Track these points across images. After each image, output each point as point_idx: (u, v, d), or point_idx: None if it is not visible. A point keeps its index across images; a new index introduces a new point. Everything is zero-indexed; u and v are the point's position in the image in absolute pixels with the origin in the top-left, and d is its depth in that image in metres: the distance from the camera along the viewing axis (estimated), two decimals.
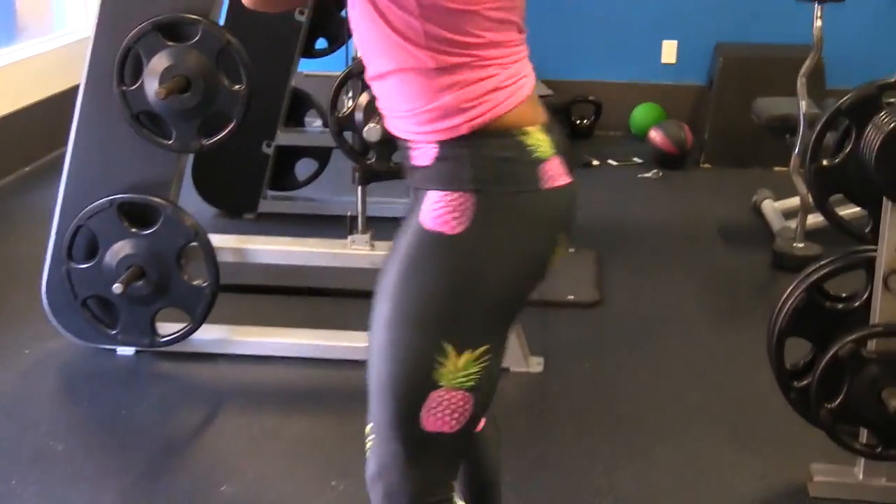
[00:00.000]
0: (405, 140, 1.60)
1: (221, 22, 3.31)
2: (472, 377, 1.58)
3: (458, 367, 1.57)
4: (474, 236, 1.54)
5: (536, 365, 3.28)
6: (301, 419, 3.02)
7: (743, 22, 5.83)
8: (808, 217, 4.08)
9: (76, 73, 4.69)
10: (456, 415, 1.61)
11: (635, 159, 5.56)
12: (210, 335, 3.32)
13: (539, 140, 1.57)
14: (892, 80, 2.45)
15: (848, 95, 2.47)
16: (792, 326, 2.60)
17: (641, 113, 5.91)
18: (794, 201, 4.27)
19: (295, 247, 3.37)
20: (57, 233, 3.24)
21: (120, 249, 3.17)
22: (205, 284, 3.20)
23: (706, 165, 5.49)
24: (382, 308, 1.61)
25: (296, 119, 4.67)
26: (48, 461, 2.76)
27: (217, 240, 3.27)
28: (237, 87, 3.05)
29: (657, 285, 3.98)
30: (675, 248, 4.36)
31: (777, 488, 2.70)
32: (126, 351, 3.33)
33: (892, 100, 2.45)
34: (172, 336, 3.27)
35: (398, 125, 1.60)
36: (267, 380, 3.22)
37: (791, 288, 2.60)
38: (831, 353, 2.47)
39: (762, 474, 2.75)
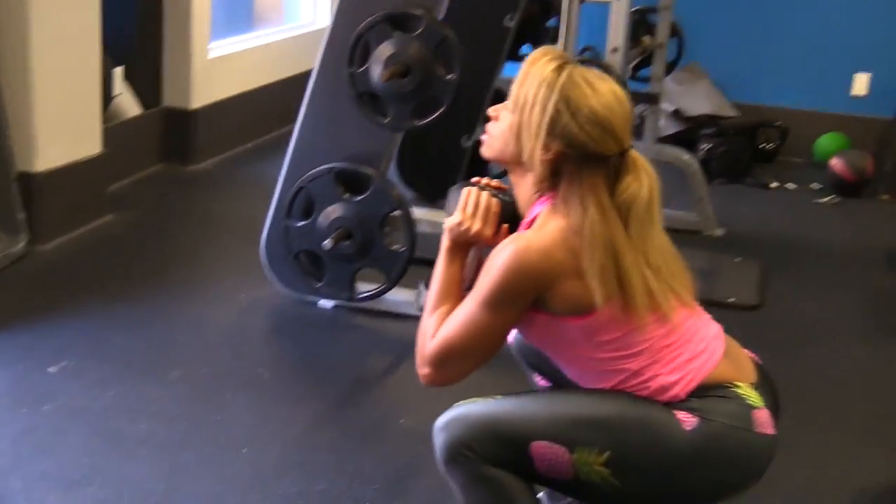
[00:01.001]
0: None
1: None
2: (588, 474, 1.89)
3: (592, 463, 1.88)
4: (696, 442, 1.87)
5: None
6: (477, 372, 3.40)
7: None
8: None
9: (305, 61, 5.24)
10: (553, 469, 1.91)
11: (814, 185, 5.75)
12: (401, 297, 3.74)
13: (749, 393, 1.93)
14: None
15: None
16: None
17: (826, 141, 6.08)
18: None
19: None
20: (280, 193, 3.72)
21: (332, 212, 3.62)
22: (402, 249, 3.62)
23: (885, 197, 5.63)
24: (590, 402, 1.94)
25: None
26: (256, 384, 3.23)
27: (417, 212, 3.69)
28: (449, 76, 3.46)
29: (817, 298, 4.21)
30: (839, 268, 4.57)
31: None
32: (326, 304, 3.77)
33: None
34: (369, 293, 3.70)
35: None
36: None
37: None
38: None
39: (888, 469, 2.99)
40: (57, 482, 2.62)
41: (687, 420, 1.88)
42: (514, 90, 1.98)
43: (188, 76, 5.21)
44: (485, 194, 2.07)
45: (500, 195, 2.09)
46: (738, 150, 5.88)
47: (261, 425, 2.98)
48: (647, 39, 5.05)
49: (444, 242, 2.08)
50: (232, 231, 4.48)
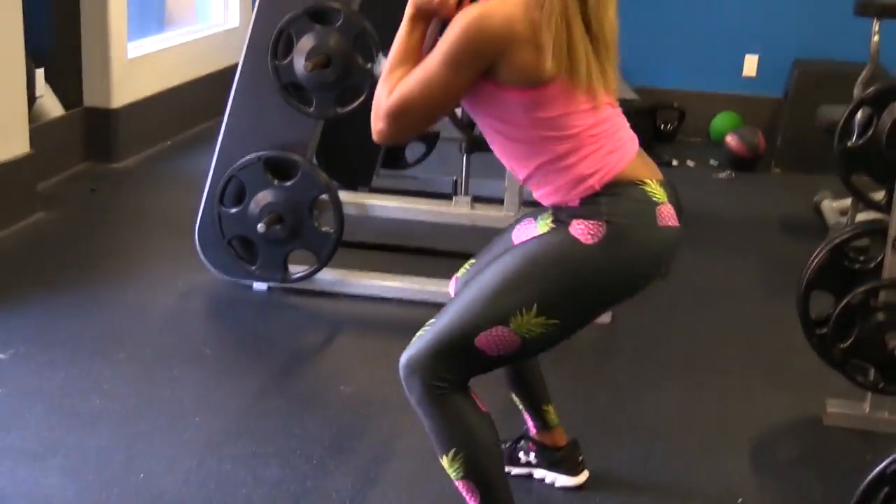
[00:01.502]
0: (556, 205, 2.18)
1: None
2: (532, 330, 2.12)
3: (531, 321, 2.11)
4: (599, 250, 2.10)
5: (605, 316, 3.85)
6: (405, 343, 3.62)
7: (820, 39, 6.29)
8: (857, 213, 4.57)
9: (219, 59, 5.40)
10: (502, 347, 2.15)
11: (712, 161, 6.08)
12: (331, 276, 3.95)
13: (656, 189, 2.16)
14: None
15: (871, 88, 3.01)
16: (817, 280, 3.14)
17: (721, 120, 6.42)
18: (850, 201, 4.76)
19: (407, 204, 3.99)
20: (211, 182, 3.90)
21: (263, 198, 3.81)
22: (331, 231, 3.83)
23: (777, 170, 5.99)
24: (506, 262, 2.17)
25: None
26: (200, 360, 3.41)
27: (344, 195, 3.90)
28: (369, 65, 3.68)
29: (719, 264, 4.51)
30: (738, 236, 4.90)
31: (797, 418, 3.25)
32: (261, 286, 3.96)
33: None
34: (301, 274, 3.90)
35: (551, 199, 2.19)
36: (378, 314, 3.84)
37: (818, 249, 3.15)
38: (845, 301, 3.01)
39: (786, 407, 3.30)
40: (22, 455, 2.79)
41: (585, 231, 2.10)
42: None
43: (108, 76, 5.33)
44: None
45: None
46: (640, 130, 6.04)
47: (209, 396, 3.18)
48: None
49: (408, 11, 2.19)
50: (162, 223, 4.64)
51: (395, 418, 3.09)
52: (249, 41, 3.81)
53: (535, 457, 2.76)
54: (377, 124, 2.17)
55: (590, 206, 2.13)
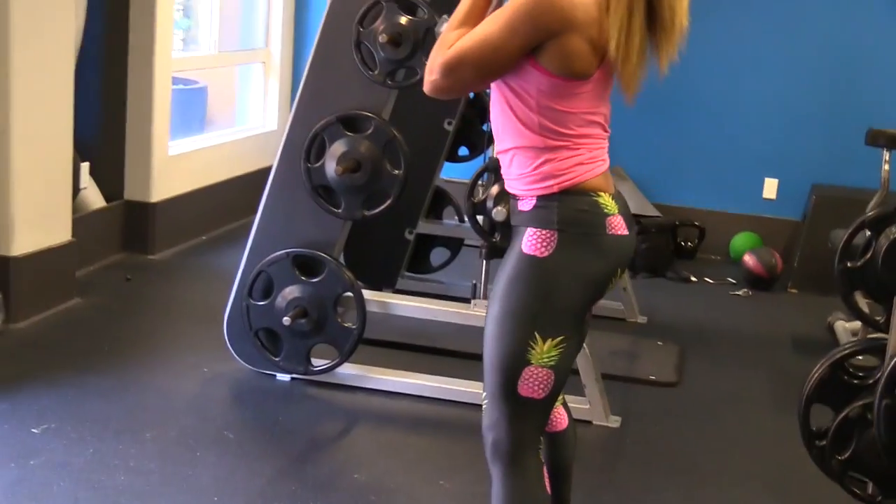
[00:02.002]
0: (515, 195, 2.37)
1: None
2: (553, 358, 2.30)
3: (544, 350, 2.29)
4: (556, 259, 2.28)
5: (614, 421, 3.97)
6: (420, 437, 3.78)
7: (837, 166, 6.48)
8: (868, 334, 4.69)
9: (255, 160, 5.64)
10: (542, 385, 2.32)
11: (729, 279, 6.23)
12: (352, 371, 4.10)
13: (607, 202, 2.32)
14: None
15: (870, 212, 3.17)
16: (817, 394, 3.26)
17: (740, 240, 6.58)
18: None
19: (427, 305, 4.15)
20: (242, 275, 4.08)
21: (290, 292, 3.99)
22: (354, 327, 3.99)
23: (793, 290, 6.12)
24: (493, 308, 2.35)
25: (436, 212, 5.50)
26: (222, 443, 3.56)
27: (367, 294, 4.08)
28: (396, 171, 3.89)
29: (730, 378, 4.63)
30: (751, 352, 5.01)
31: None
32: (283, 377, 4.12)
33: None
34: (323, 367, 4.06)
35: (512, 184, 2.36)
36: (395, 409, 3.98)
37: (819, 364, 3.28)
38: (843, 413, 3.13)
39: None
40: None
41: (538, 243, 2.26)
42: None
43: (148, 171, 5.58)
44: None
45: None
46: (660, 246, 6.36)
47: (228, 478, 3.31)
48: None
49: None
50: (192, 313, 4.82)
51: None
52: (285, 144, 4.03)
53: None
54: (431, 76, 2.29)
55: (542, 209, 2.29)
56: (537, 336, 2.29)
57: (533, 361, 2.30)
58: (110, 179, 5.49)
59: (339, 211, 3.97)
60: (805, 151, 6.59)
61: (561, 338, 2.30)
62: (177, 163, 5.84)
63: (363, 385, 4.09)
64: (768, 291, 6.09)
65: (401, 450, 3.68)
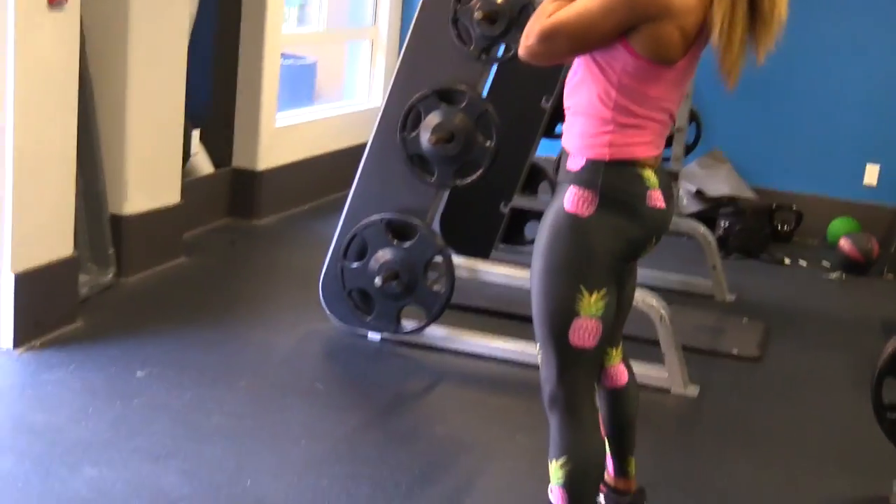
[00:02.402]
0: (568, 151, 2.49)
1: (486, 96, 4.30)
2: (600, 309, 2.44)
3: (591, 302, 2.43)
4: (596, 219, 2.41)
5: (692, 390, 4.07)
6: (500, 397, 3.94)
7: None
8: None
9: (359, 135, 5.83)
10: (592, 335, 2.46)
11: (824, 263, 6.24)
12: (440, 332, 4.27)
13: (650, 176, 2.46)
14: None
15: None
16: (890, 368, 3.33)
17: (838, 225, 6.57)
18: None
19: (514, 271, 4.29)
20: (338, 238, 4.28)
21: (383, 255, 4.16)
22: (443, 291, 4.16)
23: (889, 276, 6.10)
24: (536, 264, 2.49)
25: (531, 188, 5.63)
26: (312, 394, 3.76)
27: (456, 259, 4.23)
28: (488, 143, 4.03)
29: (813, 358, 4.68)
30: (838, 334, 5.04)
31: (864, 499, 3.41)
32: (374, 336, 4.30)
33: None
34: (412, 328, 4.23)
35: (569, 141, 2.49)
36: (478, 369, 4.14)
37: (894, 338, 3.34)
38: None
39: (854, 487, 3.46)
40: (146, 455, 3.17)
41: (580, 202, 2.40)
42: None
43: (256, 141, 5.82)
44: None
45: None
46: (755, 228, 6.39)
47: (316, 424, 3.51)
48: None
49: None
50: (291, 276, 5.05)
51: (481, 459, 3.39)
52: (382, 114, 4.20)
53: (605, 499, 3.00)
54: (528, 40, 2.43)
55: (590, 171, 2.42)
56: (583, 289, 2.42)
57: (582, 313, 2.44)
58: (220, 147, 5.75)
59: (432, 179, 4.13)
60: None
61: (604, 290, 2.44)
62: (283, 134, 6.08)
63: (449, 346, 4.25)
64: (864, 276, 6.08)
65: (481, 407, 3.84)
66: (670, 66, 2.38)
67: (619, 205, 2.43)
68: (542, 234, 2.49)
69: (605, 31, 2.34)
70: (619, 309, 2.59)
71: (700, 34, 2.39)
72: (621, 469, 2.97)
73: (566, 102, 2.54)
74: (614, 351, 2.84)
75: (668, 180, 2.53)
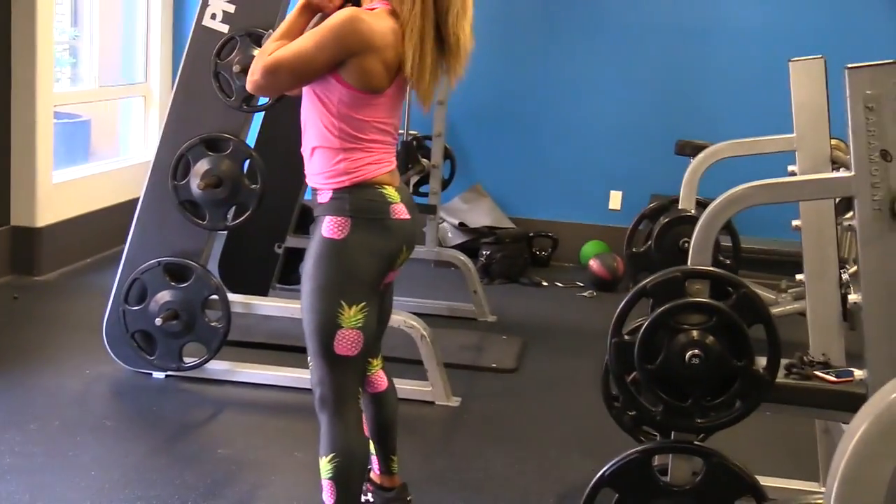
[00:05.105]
0: (315, 188, 2.87)
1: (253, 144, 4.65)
2: (360, 321, 2.82)
3: (351, 315, 2.81)
4: (351, 240, 2.80)
5: (455, 401, 4.51)
6: (279, 419, 4.28)
7: (677, 177, 7.14)
8: None
9: (136, 189, 6.06)
10: (354, 344, 2.84)
11: (578, 283, 6.84)
12: (220, 366, 4.58)
13: (391, 192, 2.86)
14: None
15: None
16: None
17: (589, 248, 7.19)
18: None
19: (286, 303, 4.64)
20: (118, 284, 4.54)
21: (162, 297, 4.45)
22: (220, 326, 4.47)
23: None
24: (305, 285, 2.85)
25: (303, 228, 6.00)
26: (101, 430, 4.01)
27: (232, 297, 4.56)
28: (254, 186, 4.39)
29: (565, 365, 5.20)
30: (588, 343, 5.57)
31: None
32: (159, 375, 4.57)
33: None
34: (194, 363, 4.52)
35: (313, 179, 2.87)
36: (258, 397, 4.47)
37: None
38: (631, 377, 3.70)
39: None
40: None
41: (335, 228, 2.77)
42: None
43: (33, 198, 5.99)
44: None
45: None
46: (515, 255, 6.95)
47: (105, 456, 3.77)
48: (424, 161, 6.10)
49: (300, 1, 2.87)
50: (75, 325, 5.25)
51: (261, 475, 3.72)
52: (154, 163, 4.51)
53: (372, 496, 3.38)
54: (253, 76, 2.79)
55: (337, 200, 2.79)
56: (343, 304, 2.80)
57: (343, 325, 2.81)
58: None
59: (204, 222, 4.45)
60: (645, 164, 7.24)
61: (363, 303, 2.83)
62: (61, 190, 6.26)
63: (230, 378, 4.57)
64: (612, 292, 6.70)
65: (262, 430, 4.17)
66: (379, 94, 2.79)
67: (369, 223, 2.81)
68: (308, 260, 2.85)
69: (319, 64, 2.74)
70: (378, 322, 2.98)
71: (402, 66, 2.80)
72: (386, 467, 3.36)
73: (303, 145, 2.92)
74: (374, 361, 3.25)
75: (410, 196, 2.95)
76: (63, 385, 4.45)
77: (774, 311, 4.90)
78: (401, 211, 2.88)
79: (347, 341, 2.84)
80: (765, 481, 3.05)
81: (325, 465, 2.91)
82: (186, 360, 4.54)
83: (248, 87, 2.84)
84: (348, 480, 2.92)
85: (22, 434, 3.89)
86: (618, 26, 7.26)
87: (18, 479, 3.51)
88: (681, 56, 7.20)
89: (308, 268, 2.85)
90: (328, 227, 2.81)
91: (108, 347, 4.59)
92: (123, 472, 3.65)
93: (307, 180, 2.93)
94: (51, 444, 3.83)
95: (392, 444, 3.36)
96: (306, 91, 2.86)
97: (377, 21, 2.75)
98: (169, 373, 4.56)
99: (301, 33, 2.85)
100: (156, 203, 4.51)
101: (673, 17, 7.20)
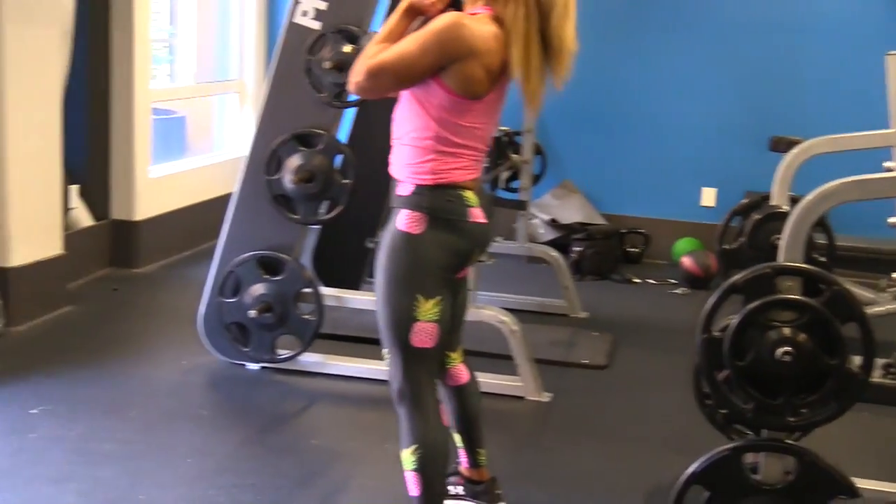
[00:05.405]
0: (397, 179, 2.89)
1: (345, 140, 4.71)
2: (436, 314, 2.84)
3: (428, 308, 2.82)
4: (426, 236, 2.81)
5: (546, 397, 4.52)
6: (370, 412, 4.32)
7: (770, 175, 7.05)
8: None
9: (231, 183, 6.19)
10: (430, 336, 2.86)
11: (670, 280, 6.79)
12: (312, 358, 4.64)
13: (471, 196, 2.87)
14: None
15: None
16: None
17: (681, 245, 7.13)
18: None
19: (373, 297, 4.67)
20: (214, 276, 4.62)
21: (256, 290, 4.53)
22: (313, 319, 4.53)
23: None
24: (379, 278, 2.88)
25: None
26: (197, 419, 4.10)
27: (324, 290, 4.62)
28: (346, 181, 4.44)
29: (656, 362, 5.17)
30: (678, 340, 5.50)
31: None
32: (253, 366, 4.65)
33: None
34: (287, 355, 4.60)
35: (398, 170, 2.89)
36: (349, 390, 4.53)
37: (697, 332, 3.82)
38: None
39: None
40: (46, 480, 3.47)
41: (411, 223, 2.78)
42: None
43: (132, 193, 6.14)
44: None
45: None
46: (606, 251, 6.92)
47: (202, 444, 3.85)
48: (515, 157, 6.10)
49: (402, 5, 2.87)
50: (173, 317, 5.37)
51: (352, 465, 3.77)
52: (248, 159, 4.58)
53: (463, 489, 3.40)
54: (356, 77, 2.80)
55: (418, 196, 2.80)
56: (420, 297, 2.82)
57: (420, 318, 2.83)
58: (98, 201, 6.05)
59: (297, 216, 4.51)
60: (739, 161, 7.16)
61: (439, 297, 2.84)
62: (158, 185, 6.40)
63: (322, 371, 4.63)
64: (706, 290, 6.63)
65: (352, 422, 4.22)
66: (479, 100, 2.80)
67: (445, 223, 2.83)
68: (383, 252, 2.88)
69: (422, 68, 2.75)
70: (453, 315, 3.00)
71: (503, 71, 2.81)
72: (474, 461, 3.38)
73: (394, 135, 2.94)
74: (454, 354, 3.26)
75: (487, 199, 2.96)
76: (162, 375, 4.55)
77: (873, 310, 4.87)
78: (478, 214, 2.89)
79: (424, 334, 2.86)
80: (857, 482, 2.99)
81: (407, 457, 2.94)
82: (280, 352, 4.61)
83: (351, 88, 2.85)
84: (433, 471, 2.95)
85: (122, 422, 3.99)
86: (710, 22, 7.19)
87: (118, 465, 3.61)
88: (774, 51, 7.10)
89: (382, 260, 2.87)
90: (405, 220, 2.83)
91: (204, 339, 4.68)
92: (219, 459, 3.73)
93: (390, 168, 2.95)
94: (149, 431, 3.92)
95: (478, 436, 3.37)
96: (405, 93, 2.87)
97: (480, 26, 2.76)
98: (263, 364, 4.64)
99: (403, 36, 2.85)
100: (250, 197, 4.59)
101: (766, 11, 7.10)
